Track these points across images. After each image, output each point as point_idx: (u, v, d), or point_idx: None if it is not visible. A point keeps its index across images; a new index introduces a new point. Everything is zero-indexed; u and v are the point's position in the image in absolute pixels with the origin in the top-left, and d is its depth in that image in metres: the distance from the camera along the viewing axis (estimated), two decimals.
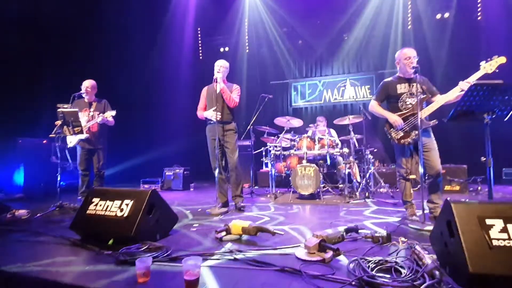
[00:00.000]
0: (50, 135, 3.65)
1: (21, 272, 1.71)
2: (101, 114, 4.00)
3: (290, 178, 4.50)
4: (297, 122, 5.05)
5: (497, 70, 2.50)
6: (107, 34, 7.21)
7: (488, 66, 2.53)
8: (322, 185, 4.60)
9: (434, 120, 2.77)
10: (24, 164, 5.28)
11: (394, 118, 2.87)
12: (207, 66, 8.68)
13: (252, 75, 8.70)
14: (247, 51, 8.81)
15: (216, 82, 3.57)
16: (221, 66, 3.65)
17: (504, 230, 1.33)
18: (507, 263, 1.24)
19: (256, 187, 6.21)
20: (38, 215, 3.34)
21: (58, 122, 3.63)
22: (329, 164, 4.90)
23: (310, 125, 5.13)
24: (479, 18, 6.76)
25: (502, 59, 2.52)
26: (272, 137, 5.39)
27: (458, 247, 1.33)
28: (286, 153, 4.95)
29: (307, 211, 3.56)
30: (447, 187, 4.71)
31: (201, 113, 3.74)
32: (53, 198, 3.70)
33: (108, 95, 4.46)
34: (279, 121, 5.07)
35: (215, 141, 3.55)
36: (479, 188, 4.68)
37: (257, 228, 2.21)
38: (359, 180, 4.92)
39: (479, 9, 6.76)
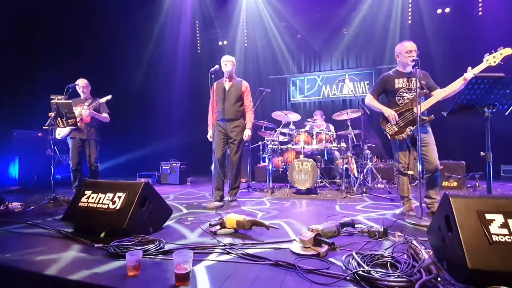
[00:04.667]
0: (44, 127, 3.58)
1: (10, 264, 1.67)
2: (85, 106, 4.00)
3: (287, 172, 4.46)
4: (294, 117, 4.99)
5: (501, 63, 2.38)
6: (103, 27, 7.10)
7: (491, 59, 2.42)
8: (319, 180, 4.57)
9: (431, 116, 2.72)
10: (19, 157, 5.23)
11: (388, 112, 2.84)
12: (205, 60, 8.68)
13: (251, 69, 8.62)
14: (246, 45, 8.73)
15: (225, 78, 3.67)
16: (227, 61, 3.65)
17: (505, 225, 1.30)
18: (508, 259, 1.21)
19: (253, 181, 6.16)
20: (32, 207, 3.31)
21: (52, 114, 3.56)
22: (326, 159, 4.86)
23: (308, 120, 5.08)
24: (480, 13, 6.70)
25: (508, 51, 2.37)
26: (270, 132, 5.34)
27: (457, 242, 1.30)
28: (283, 147, 4.91)
29: (303, 206, 3.53)
30: (445, 183, 4.68)
31: (209, 119, 3.79)
32: (48, 190, 3.65)
33: (104, 89, 4.40)
34: (277, 115, 5.02)
35: (221, 134, 3.63)
36: (477, 184, 4.66)
37: (251, 222, 2.18)
38: (356, 175, 4.89)
39: (480, 4, 6.70)
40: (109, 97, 4.09)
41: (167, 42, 8.59)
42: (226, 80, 3.69)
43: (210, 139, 3.68)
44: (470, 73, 2.49)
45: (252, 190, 4.91)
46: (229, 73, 3.64)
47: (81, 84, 4.14)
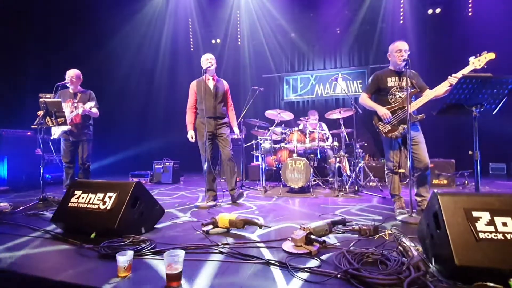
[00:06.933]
0: (32, 126, 3.51)
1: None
2: (81, 105, 3.83)
3: (280, 171, 4.47)
4: (288, 115, 5.00)
5: (485, 66, 2.52)
6: (94, 24, 7.00)
7: (477, 62, 2.54)
8: (312, 179, 4.59)
9: (422, 115, 2.78)
10: (7, 156, 5.12)
11: (383, 111, 2.87)
12: (198, 58, 8.61)
13: (244, 68, 8.61)
14: (239, 43, 8.70)
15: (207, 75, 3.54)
16: (211, 59, 3.60)
17: (491, 222, 1.32)
18: (494, 256, 1.23)
19: (246, 180, 6.17)
20: (21, 208, 3.25)
21: (41, 113, 3.49)
22: (319, 157, 4.89)
23: (301, 118, 5.09)
24: (470, 13, 6.81)
25: (491, 55, 2.52)
26: (263, 130, 5.34)
27: (444, 239, 1.32)
28: (276, 146, 4.92)
29: (296, 204, 3.54)
30: (435, 181, 4.76)
31: (189, 118, 3.71)
32: (38, 190, 3.59)
33: (96, 87, 4.33)
34: (270, 114, 5.02)
35: (206, 133, 3.52)
36: (466, 182, 4.74)
37: (244, 221, 2.18)
38: (349, 173, 4.93)
39: (470, 5, 6.81)
40: (92, 103, 3.80)
41: (160, 40, 8.52)
42: (209, 79, 3.61)
43: (191, 140, 3.64)
44: (453, 78, 2.58)
45: (245, 189, 4.90)
46: (212, 71, 3.59)
47: (71, 74, 3.87)
